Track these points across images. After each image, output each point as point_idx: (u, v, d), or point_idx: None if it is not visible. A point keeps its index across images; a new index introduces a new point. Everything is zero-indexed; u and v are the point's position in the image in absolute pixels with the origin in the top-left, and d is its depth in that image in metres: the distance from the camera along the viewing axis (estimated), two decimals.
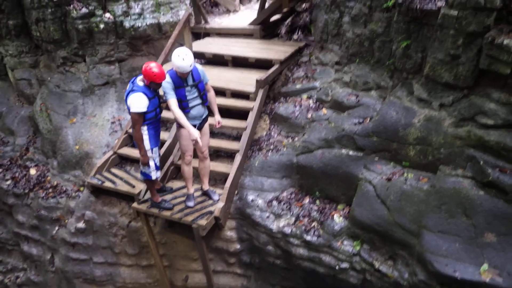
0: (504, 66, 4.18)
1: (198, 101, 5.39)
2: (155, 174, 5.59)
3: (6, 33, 8.62)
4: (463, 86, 4.67)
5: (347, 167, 5.63)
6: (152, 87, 5.13)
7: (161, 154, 6.10)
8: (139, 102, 5.01)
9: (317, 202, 5.98)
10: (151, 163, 5.47)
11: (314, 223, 5.75)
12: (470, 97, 4.66)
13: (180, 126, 5.44)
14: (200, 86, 5.35)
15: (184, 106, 5.29)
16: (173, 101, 5.15)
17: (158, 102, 5.28)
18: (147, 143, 5.30)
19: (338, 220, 5.65)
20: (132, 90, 5.07)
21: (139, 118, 5.08)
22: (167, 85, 5.12)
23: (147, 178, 5.64)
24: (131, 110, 5.06)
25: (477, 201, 4.52)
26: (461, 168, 4.77)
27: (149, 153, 5.41)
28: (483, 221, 4.45)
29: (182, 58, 4.97)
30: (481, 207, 4.48)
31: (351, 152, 5.68)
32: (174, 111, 5.14)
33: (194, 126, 5.44)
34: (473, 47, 4.41)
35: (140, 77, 5.14)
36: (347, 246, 5.46)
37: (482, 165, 4.53)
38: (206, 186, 6.08)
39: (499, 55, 4.17)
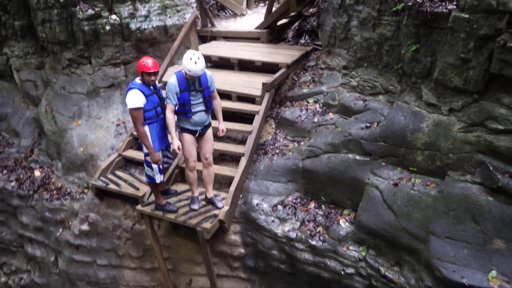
0: None
1: (202, 107, 5.29)
2: (159, 178, 5.55)
3: (12, 34, 8.68)
4: (473, 90, 4.61)
5: (354, 172, 5.57)
6: (146, 81, 5.05)
7: (172, 157, 6.03)
8: (134, 98, 4.96)
9: (323, 207, 5.92)
10: (155, 166, 5.42)
11: (320, 228, 5.70)
12: (480, 102, 4.60)
13: (181, 130, 5.40)
14: (206, 93, 5.26)
15: (187, 110, 5.22)
16: (169, 107, 5.14)
17: (157, 101, 5.19)
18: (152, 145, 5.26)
19: (344, 225, 5.59)
20: (129, 89, 5.06)
21: (137, 115, 5.01)
22: (172, 87, 5.06)
23: (151, 181, 5.61)
24: (128, 107, 5.04)
25: (485, 207, 4.45)
26: (469, 173, 4.71)
27: None
28: (491, 227, 4.38)
29: (194, 62, 4.88)
30: (490, 213, 4.41)
31: (357, 157, 5.62)
32: (167, 116, 5.15)
33: (195, 132, 5.40)
34: (484, 51, 4.35)
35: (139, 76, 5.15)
36: (353, 251, 5.40)
37: (491, 171, 4.46)
38: (210, 194, 5.96)
39: (510, 59, 4.11)
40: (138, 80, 5.11)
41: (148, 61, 4.98)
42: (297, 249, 5.70)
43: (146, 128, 5.16)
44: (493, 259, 4.27)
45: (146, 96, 5.03)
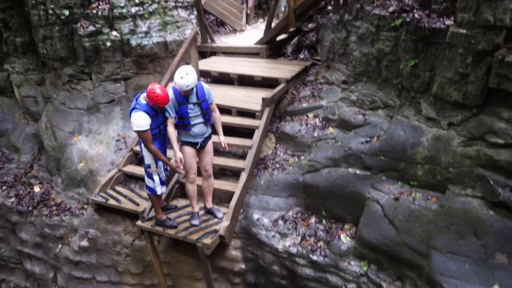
0: None
1: (201, 119, 5.37)
2: (160, 189, 5.56)
3: (13, 50, 8.72)
4: (472, 105, 4.64)
5: (354, 187, 5.57)
6: (154, 108, 5.10)
7: (168, 169, 6.03)
8: (140, 121, 4.98)
9: (324, 221, 5.90)
10: (156, 178, 5.46)
11: (321, 243, 5.67)
12: (480, 116, 4.62)
13: (182, 144, 5.46)
14: (204, 105, 5.34)
15: (186, 123, 5.31)
16: (170, 121, 5.27)
17: (161, 119, 5.25)
18: (153, 157, 5.28)
19: (345, 240, 5.57)
20: (134, 108, 5.07)
21: (145, 136, 5.06)
22: (170, 102, 5.15)
23: (152, 193, 5.61)
24: (133, 129, 5.07)
25: (487, 221, 4.44)
26: (470, 188, 4.70)
27: (153, 167, 5.40)
28: (493, 242, 4.37)
29: (180, 77, 4.99)
30: (491, 228, 4.40)
31: (358, 171, 5.62)
32: (168, 130, 5.29)
33: (196, 144, 5.49)
34: (482, 65, 4.39)
35: (144, 94, 5.13)
36: (354, 266, 5.37)
37: (492, 185, 4.46)
38: (209, 204, 6.03)
39: (509, 74, 4.15)
40: (143, 100, 5.10)
41: (160, 94, 4.90)
42: (298, 264, 5.67)
43: None
44: (495, 274, 4.25)
45: (151, 117, 5.06)
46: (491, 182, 4.48)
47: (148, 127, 5.03)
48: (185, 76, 4.99)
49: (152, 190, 5.57)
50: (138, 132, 5.05)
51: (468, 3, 4.35)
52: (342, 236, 5.61)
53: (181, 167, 5.46)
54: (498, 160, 4.45)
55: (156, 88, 4.94)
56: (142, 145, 5.27)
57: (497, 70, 4.26)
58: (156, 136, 5.24)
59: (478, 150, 4.61)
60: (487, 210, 4.50)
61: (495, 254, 4.33)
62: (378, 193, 5.37)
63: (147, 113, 5.02)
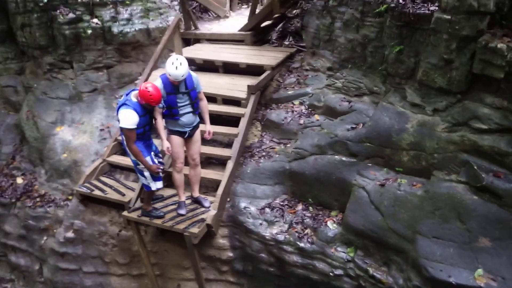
0: (497, 70, 4.19)
1: (189, 109, 5.33)
2: (154, 185, 5.48)
3: None
4: (456, 91, 4.67)
5: (340, 173, 5.58)
6: (145, 106, 5.01)
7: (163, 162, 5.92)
8: (128, 119, 4.90)
9: (310, 208, 5.92)
10: (146, 174, 5.37)
11: (308, 230, 5.69)
12: (464, 102, 4.66)
13: (170, 133, 5.40)
14: (192, 94, 5.28)
15: (174, 113, 5.26)
16: (157, 110, 5.18)
17: (148, 120, 5.18)
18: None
19: (331, 226, 5.59)
20: (124, 104, 4.98)
21: (130, 135, 4.97)
22: None
23: (147, 190, 5.56)
24: (120, 125, 4.99)
25: (471, 206, 4.51)
26: (455, 173, 4.76)
27: (141, 164, 5.30)
28: (477, 226, 4.43)
29: (175, 67, 4.91)
30: (475, 212, 4.47)
31: (344, 158, 5.64)
32: (157, 120, 5.22)
33: (185, 133, 5.44)
34: (466, 51, 4.41)
35: (135, 92, 5.03)
36: (341, 252, 5.40)
37: (476, 170, 4.53)
38: (196, 193, 6.01)
39: (492, 59, 4.17)
40: (133, 97, 5.01)
41: (154, 93, 4.83)
42: (286, 251, 5.68)
43: None
44: (479, 257, 4.31)
45: (140, 116, 4.98)
46: (475, 167, 4.55)
47: (135, 126, 4.94)
48: (179, 66, 4.91)
49: (147, 187, 5.51)
50: (123, 129, 4.96)
51: None
52: (329, 223, 5.64)
53: (164, 165, 5.37)
54: (481, 145, 4.50)
55: (149, 86, 4.86)
56: (125, 142, 5.20)
57: (481, 56, 4.28)
58: (140, 136, 5.16)
59: (462, 135, 4.66)
60: (471, 194, 4.56)
61: (479, 238, 4.39)
62: (364, 179, 5.40)
63: (137, 111, 4.93)
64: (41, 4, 7.52)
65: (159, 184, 5.56)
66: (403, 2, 5.03)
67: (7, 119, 8.72)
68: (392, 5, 5.11)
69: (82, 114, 7.83)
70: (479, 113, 4.50)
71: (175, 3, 8.76)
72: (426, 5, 4.85)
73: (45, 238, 7.36)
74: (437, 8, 4.67)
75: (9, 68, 8.61)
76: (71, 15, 7.57)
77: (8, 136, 8.58)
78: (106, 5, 7.77)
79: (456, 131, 4.72)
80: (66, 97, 7.96)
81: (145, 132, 5.23)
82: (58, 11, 7.57)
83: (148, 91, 4.83)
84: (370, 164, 5.48)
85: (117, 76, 8.03)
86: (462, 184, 4.66)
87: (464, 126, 4.66)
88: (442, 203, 4.66)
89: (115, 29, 7.73)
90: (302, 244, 5.57)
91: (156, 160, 5.38)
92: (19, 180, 7.99)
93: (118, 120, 5.03)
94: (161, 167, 5.38)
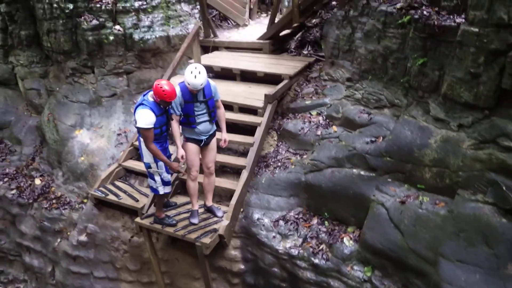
0: None
1: (206, 117, 5.29)
2: (162, 190, 5.46)
3: (18, 43, 8.76)
4: (484, 106, 4.40)
5: (358, 188, 5.39)
6: (161, 105, 5.01)
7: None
8: (145, 118, 4.88)
9: (326, 223, 5.73)
10: (157, 178, 5.36)
11: (323, 246, 5.51)
12: (492, 118, 4.39)
13: (186, 140, 5.36)
14: (210, 103, 5.25)
15: (191, 121, 5.24)
16: (174, 117, 5.20)
17: (165, 120, 5.16)
18: (152, 156, 5.17)
19: (348, 243, 5.40)
20: (141, 104, 4.98)
21: (148, 134, 4.94)
22: (175, 99, 5.04)
23: (154, 193, 5.54)
24: (137, 125, 4.96)
25: (499, 229, 4.21)
26: (481, 193, 4.47)
27: (153, 167, 5.28)
28: (505, 251, 4.13)
29: (194, 76, 4.89)
30: (503, 236, 4.17)
31: (362, 172, 5.44)
32: (173, 127, 5.22)
33: (201, 141, 5.40)
34: (495, 65, 4.16)
35: (152, 92, 5.03)
36: (357, 271, 5.20)
37: (504, 191, 4.22)
38: (209, 202, 5.93)
39: None
40: (150, 97, 5.01)
41: (168, 90, 4.84)
42: (299, 267, 5.52)
43: None
44: (507, 285, 4.02)
45: (157, 116, 4.96)
46: (504, 187, 4.24)
47: (152, 126, 4.92)
48: (198, 75, 4.90)
49: (154, 190, 5.50)
50: (140, 129, 4.93)
51: (480, 0, 4.13)
52: (345, 239, 5.44)
53: (182, 165, 5.33)
54: (510, 164, 4.22)
55: (163, 84, 4.87)
56: (142, 143, 5.16)
57: (511, 70, 4.03)
58: (157, 137, 5.13)
59: (489, 153, 4.38)
60: (499, 217, 4.26)
61: (508, 264, 4.09)
62: (383, 195, 5.19)
63: (153, 111, 4.92)
64: (66, 11, 7.69)
65: (167, 189, 5.54)
66: (428, 14, 4.84)
67: (29, 121, 8.90)
68: (416, 16, 4.93)
69: (100, 118, 7.88)
70: (508, 130, 4.22)
71: (195, 11, 8.78)
72: (452, 17, 4.65)
73: (58, 240, 7.42)
74: (463, 20, 4.47)
75: (34, 72, 8.82)
76: (94, 22, 7.69)
77: (29, 137, 8.74)
78: (128, 12, 7.86)
79: (483, 148, 4.45)
80: (86, 101, 8.04)
81: (162, 133, 5.19)
82: (82, 17, 7.71)
83: (161, 87, 4.82)
84: (390, 180, 5.26)
85: (136, 82, 8.07)
86: (489, 205, 4.37)
87: (491, 144, 4.38)
88: (467, 224, 4.39)
89: (136, 36, 7.81)
90: (316, 260, 5.40)
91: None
92: (37, 181, 8.11)
93: (135, 121, 5.01)
94: (182, 165, 5.32)
